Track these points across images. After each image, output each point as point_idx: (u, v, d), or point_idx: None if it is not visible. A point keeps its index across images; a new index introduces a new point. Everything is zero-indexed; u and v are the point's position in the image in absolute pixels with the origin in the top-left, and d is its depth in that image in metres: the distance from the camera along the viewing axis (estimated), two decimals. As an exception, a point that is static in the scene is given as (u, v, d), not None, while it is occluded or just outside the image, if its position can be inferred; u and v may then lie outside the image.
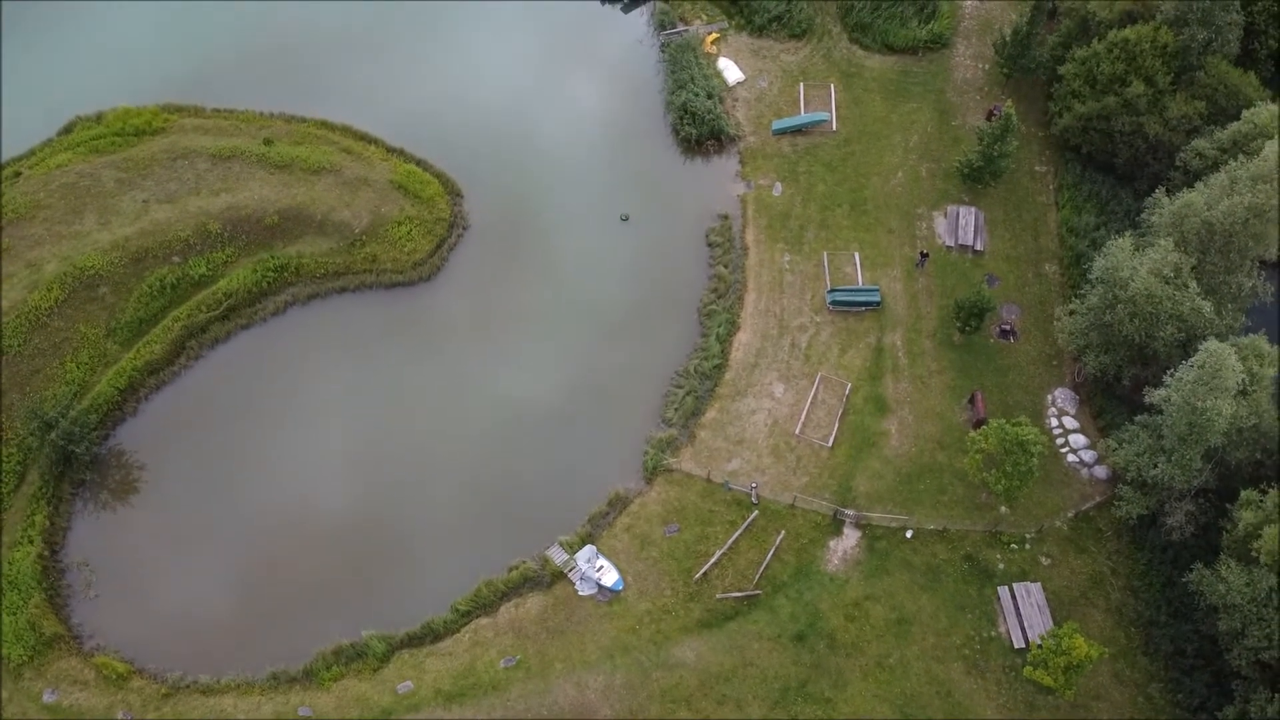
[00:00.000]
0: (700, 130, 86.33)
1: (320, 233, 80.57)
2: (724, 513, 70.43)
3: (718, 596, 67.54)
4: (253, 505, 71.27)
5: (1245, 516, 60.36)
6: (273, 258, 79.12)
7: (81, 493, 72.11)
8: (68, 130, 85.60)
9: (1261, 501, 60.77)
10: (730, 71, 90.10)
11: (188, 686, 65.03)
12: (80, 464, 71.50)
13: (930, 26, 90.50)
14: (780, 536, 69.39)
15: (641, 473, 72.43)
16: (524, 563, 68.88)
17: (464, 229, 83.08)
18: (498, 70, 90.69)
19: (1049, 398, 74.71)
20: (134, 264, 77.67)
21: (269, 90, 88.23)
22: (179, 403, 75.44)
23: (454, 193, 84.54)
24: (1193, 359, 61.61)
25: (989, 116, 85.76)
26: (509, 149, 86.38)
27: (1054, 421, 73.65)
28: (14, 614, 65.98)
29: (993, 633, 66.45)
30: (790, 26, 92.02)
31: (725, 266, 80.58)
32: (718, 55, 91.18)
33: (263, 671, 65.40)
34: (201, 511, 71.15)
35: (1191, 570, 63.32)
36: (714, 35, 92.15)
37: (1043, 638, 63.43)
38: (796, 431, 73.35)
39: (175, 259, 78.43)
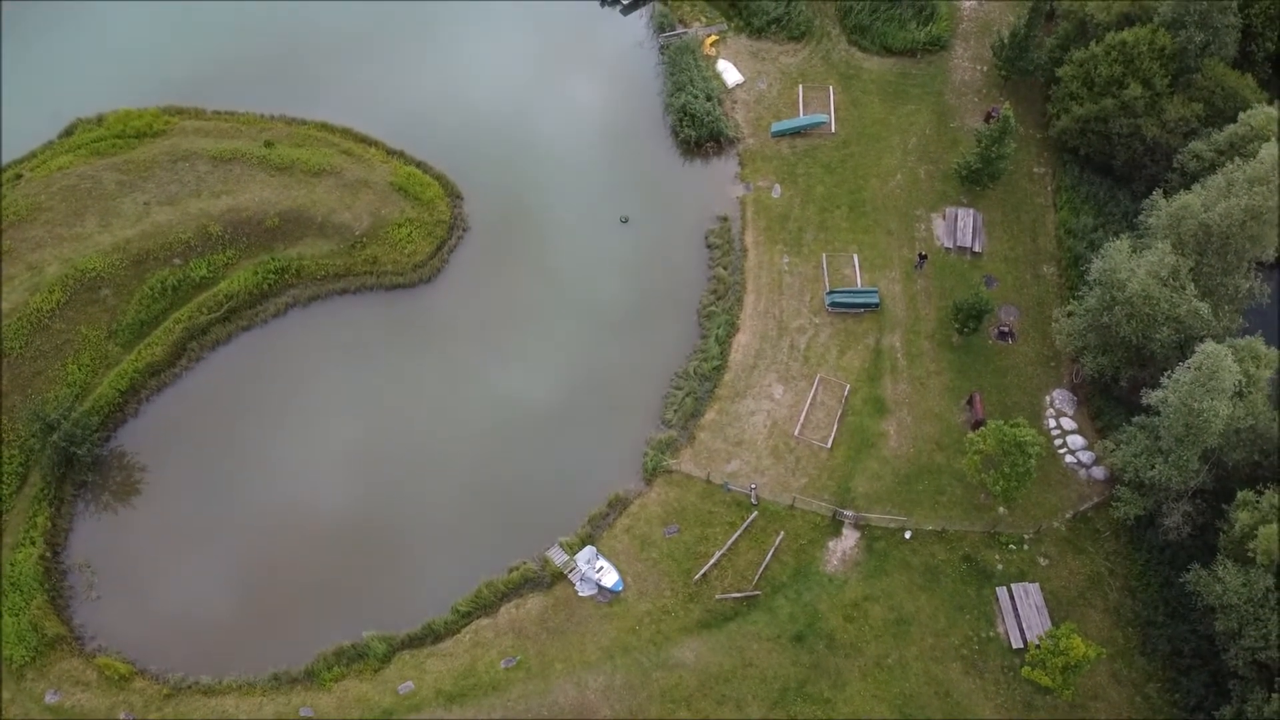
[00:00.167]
0: (699, 132, 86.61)
1: (321, 235, 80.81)
2: (723, 514, 70.71)
3: (717, 597, 67.81)
4: (254, 506, 71.51)
5: (1242, 517, 60.64)
6: (273, 260, 79.37)
7: (83, 494, 72.35)
8: (69, 132, 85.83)
9: (1258, 502, 61.06)
10: (729, 73, 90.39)
11: (189, 687, 65.28)
12: (82, 465, 71.74)
13: (929, 29, 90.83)
14: (779, 537, 69.67)
15: (641, 474, 72.70)
16: (524, 564, 69.16)
17: (464, 231, 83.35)
18: (497, 73, 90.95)
19: (1047, 399, 75.01)
20: (135, 266, 77.90)
21: (270, 92, 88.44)
22: (180, 404, 75.69)
23: (454, 195, 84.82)
24: (1190, 360, 61.93)
25: (987, 118, 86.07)
26: (509, 151, 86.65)
27: (1052, 422, 73.95)
28: (16, 615, 66.21)
29: (991, 633, 66.74)
30: (789, 29, 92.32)
31: (724, 268, 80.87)
32: (717, 57, 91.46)
33: (264, 672, 65.68)
34: (203, 513, 71.40)
35: (1189, 571, 63.68)
36: (713, 37, 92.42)
37: (1041, 638, 63.78)
38: (795, 433, 73.62)
39: (176, 261, 78.68)
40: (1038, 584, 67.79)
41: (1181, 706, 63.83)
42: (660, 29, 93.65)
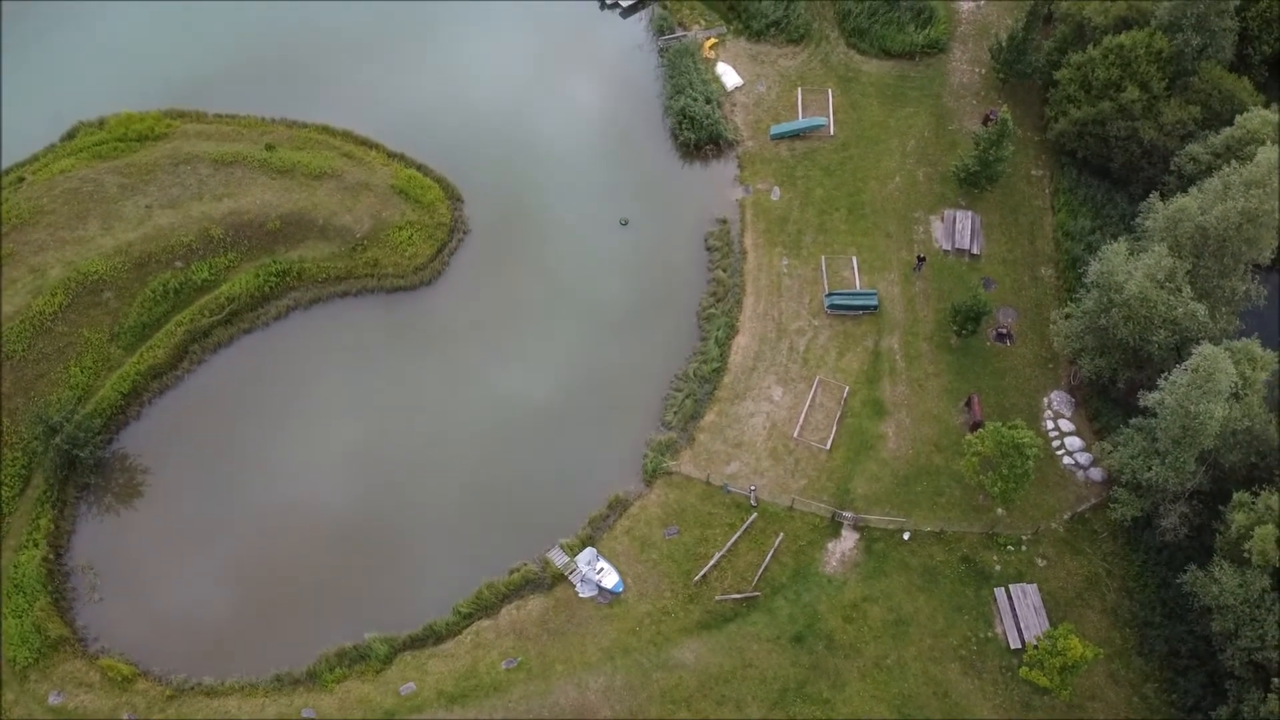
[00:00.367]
0: (699, 135, 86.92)
1: (322, 237, 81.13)
2: (723, 515, 71.05)
3: (717, 598, 68.16)
4: (255, 508, 71.80)
5: (1238, 518, 60.94)
6: (275, 262, 79.67)
7: (86, 496, 72.61)
8: (70, 136, 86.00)
9: (1254, 503, 61.31)
10: (728, 76, 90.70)
11: (192, 688, 65.56)
12: (84, 468, 72.02)
13: (927, 32, 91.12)
14: (779, 539, 70.01)
15: (641, 475, 73.03)
16: (525, 565, 69.49)
17: (465, 233, 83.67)
18: (497, 75, 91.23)
19: (1045, 400, 75.37)
20: (137, 269, 78.19)
21: (270, 95, 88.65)
22: (182, 406, 75.97)
23: (454, 198, 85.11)
24: (1186, 363, 62.28)
25: (985, 121, 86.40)
26: (509, 154, 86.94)
27: (1050, 424, 74.31)
28: (20, 617, 66.51)
29: (989, 633, 67.09)
30: (788, 32, 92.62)
31: (724, 270, 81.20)
32: (716, 60, 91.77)
33: (266, 673, 65.95)
34: (205, 514, 71.70)
35: (1185, 572, 63.98)
36: (712, 40, 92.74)
37: (1039, 638, 64.14)
38: (795, 434, 73.97)
39: (178, 264, 78.98)
40: (1035, 585, 68.14)
41: (1179, 707, 64.16)
42: (660, 32, 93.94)
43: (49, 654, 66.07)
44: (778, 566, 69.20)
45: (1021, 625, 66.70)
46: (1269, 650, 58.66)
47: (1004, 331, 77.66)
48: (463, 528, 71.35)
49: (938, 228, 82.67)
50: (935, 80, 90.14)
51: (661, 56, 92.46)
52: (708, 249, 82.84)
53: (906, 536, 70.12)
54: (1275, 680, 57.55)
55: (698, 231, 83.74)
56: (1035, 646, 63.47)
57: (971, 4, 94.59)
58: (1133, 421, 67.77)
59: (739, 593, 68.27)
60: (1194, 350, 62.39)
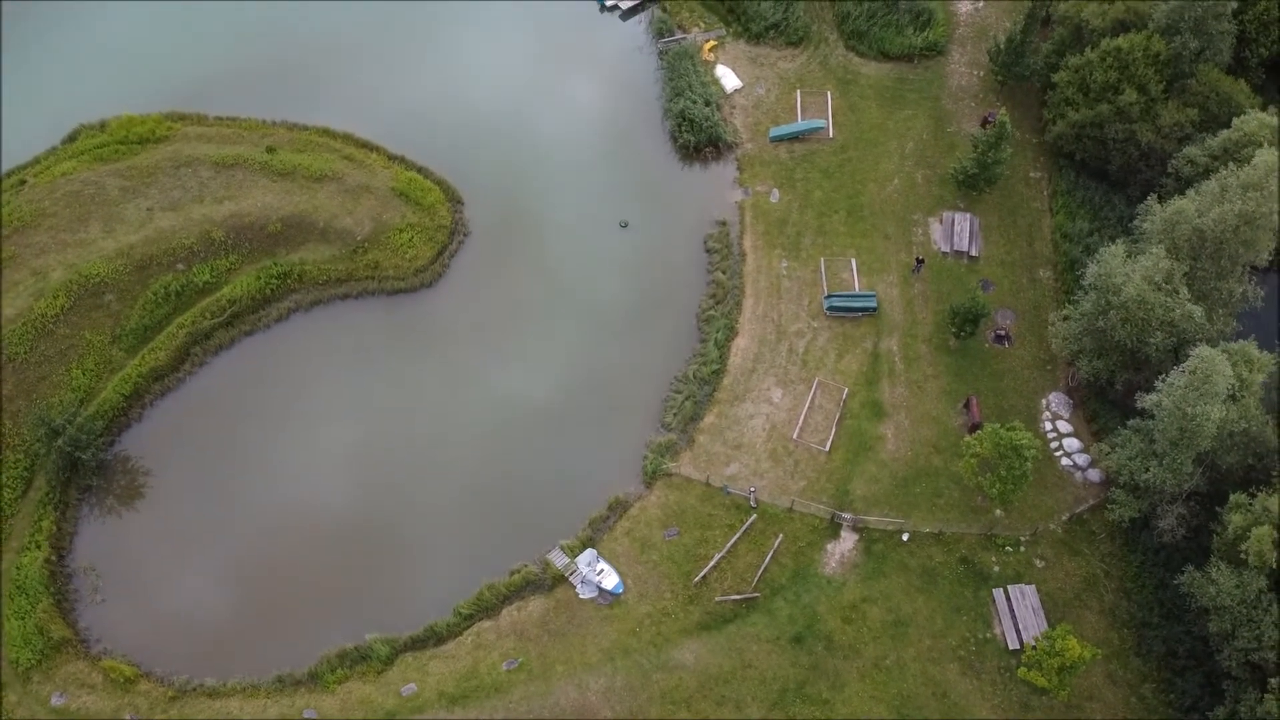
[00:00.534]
0: (698, 137, 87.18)
1: (323, 240, 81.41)
2: (723, 516, 71.34)
3: (717, 599, 68.44)
4: (257, 509, 72.10)
5: (1235, 519, 61.21)
6: (276, 265, 79.96)
7: (88, 498, 72.91)
8: (72, 138, 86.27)
9: (1250, 505, 61.59)
10: (728, 79, 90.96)
11: (194, 689, 65.92)
12: (86, 470, 72.32)
13: (925, 34, 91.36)
14: (778, 540, 70.29)
15: (641, 477, 73.34)
16: (525, 566, 69.79)
17: (465, 236, 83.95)
18: (497, 78, 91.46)
19: (1043, 402, 75.66)
20: (139, 271, 78.48)
21: (271, 98, 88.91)
22: (184, 408, 76.28)
23: (455, 200, 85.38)
24: (1184, 365, 62.56)
25: (984, 123, 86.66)
26: (509, 156, 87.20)
27: (1048, 425, 74.60)
28: (23, 618, 66.81)
29: (988, 634, 67.39)
30: (787, 34, 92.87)
31: (723, 272, 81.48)
32: (715, 63, 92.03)
33: (268, 674, 66.32)
34: (206, 516, 72.00)
35: (1183, 572, 64.26)
36: (712, 43, 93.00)
37: (1037, 639, 64.44)
38: (794, 436, 74.26)
39: (179, 266, 79.27)
40: (1034, 585, 68.45)
41: (1176, 707, 64.48)
42: (659, 34, 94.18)
43: (51, 655, 66.40)
44: (777, 567, 69.50)
45: (1020, 626, 67.02)
46: (1266, 651, 58.95)
47: (1002, 333, 77.96)
48: (463, 529, 71.63)
49: (936, 230, 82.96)
50: (934, 83, 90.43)
51: (661, 59, 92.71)
52: (707, 251, 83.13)
53: (905, 538, 70.42)
54: (1272, 681, 57.82)
55: (697, 233, 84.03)
56: (1034, 647, 63.76)
57: (970, 6, 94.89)
58: (1130, 423, 68.07)
59: (739, 594, 68.56)
60: (1191, 352, 62.66)
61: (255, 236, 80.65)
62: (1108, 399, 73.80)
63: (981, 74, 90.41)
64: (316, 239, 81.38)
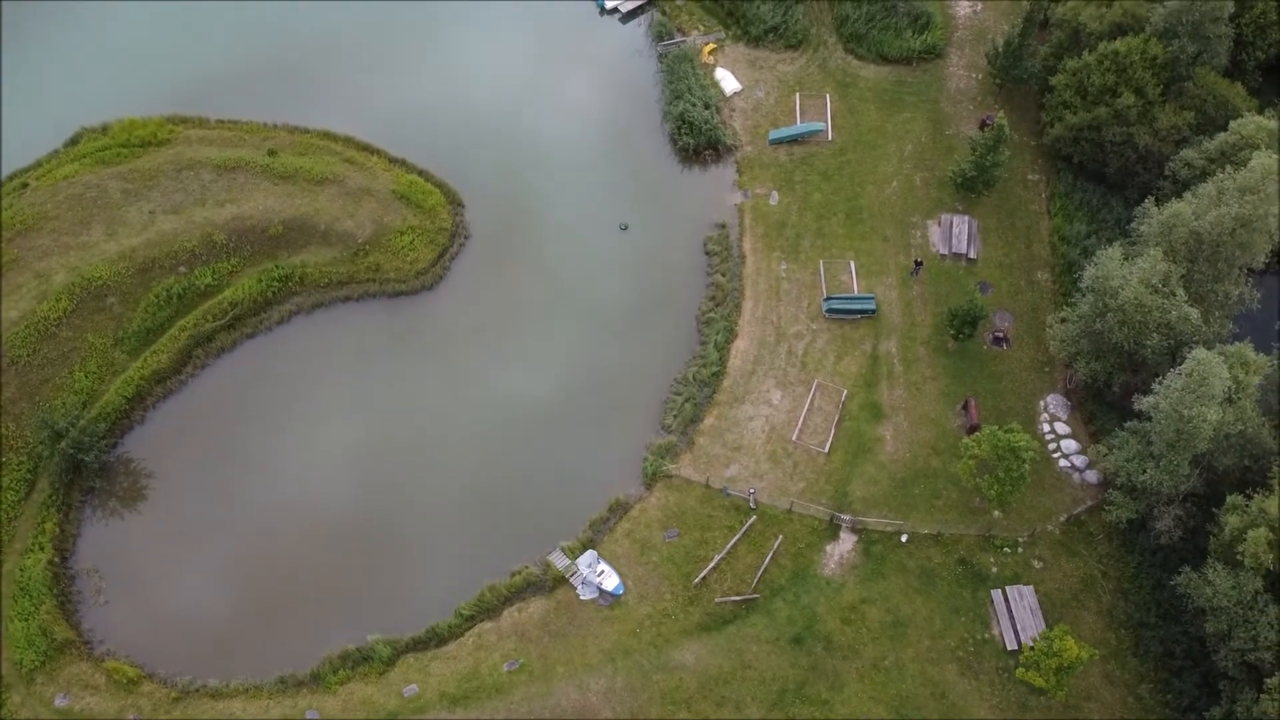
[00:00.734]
0: (698, 140, 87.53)
1: (324, 243, 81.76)
2: (722, 518, 71.71)
3: (716, 600, 68.81)
4: (259, 511, 72.40)
5: (1231, 521, 61.58)
6: (277, 267, 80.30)
7: (91, 500, 73.21)
8: (74, 142, 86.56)
9: (1247, 506, 61.96)
10: (727, 82, 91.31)
11: (197, 690, 66.19)
12: (89, 472, 72.65)
13: (924, 37, 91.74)
14: (778, 541, 70.65)
15: (641, 479, 73.68)
16: (526, 568, 70.12)
17: (465, 238, 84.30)
18: (497, 81, 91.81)
19: (1041, 404, 76.03)
20: (141, 274, 78.81)
21: (272, 101, 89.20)
22: (186, 411, 76.56)
23: (455, 203, 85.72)
24: (1181, 367, 62.86)
25: (982, 126, 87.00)
26: (509, 159, 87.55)
27: (1046, 427, 74.97)
28: (26, 620, 67.10)
29: (986, 635, 67.76)
30: (786, 37, 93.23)
31: (723, 275, 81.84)
32: (715, 65, 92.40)
33: (270, 675, 66.57)
34: (208, 518, 72.29)
35: (1180, 573, 64.56)
36: (711, 46, 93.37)
37: (1035, 640, 64.78)
38: (793, 438, 74.63)
39: (181, 269, 79.61)
40: (1032, 586, 68.83)
41: (1173, 707, 64.82)
42: (659, 37, 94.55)
43: (55, 657, 66.69)
44: (777, 569, 69.86)
45: (1018, 626, 67.40)
46: (1262, 651, 59.27)
47: (1000, 335, 78.32)
48: (464, 530, 71.96)
49: (935, 232, 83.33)
50: (932, 85, 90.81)
51: (661, 62, 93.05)
52: (707, 253, 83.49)
53: (904, 539, 70.79)
54: (1268, 681, 58.13)
55: (697, 236, 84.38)
56: (1032, 648, 64.04)
57: (968, 9, 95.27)
58: (1128, 425, 68.42)
59: (738, 595, 68.93)
60: (1188, 354, 62.99)
61: (257, 239, 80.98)
62: (1105, 401, 74.18)
63: (980, 77, 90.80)
64: (318, 242, 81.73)
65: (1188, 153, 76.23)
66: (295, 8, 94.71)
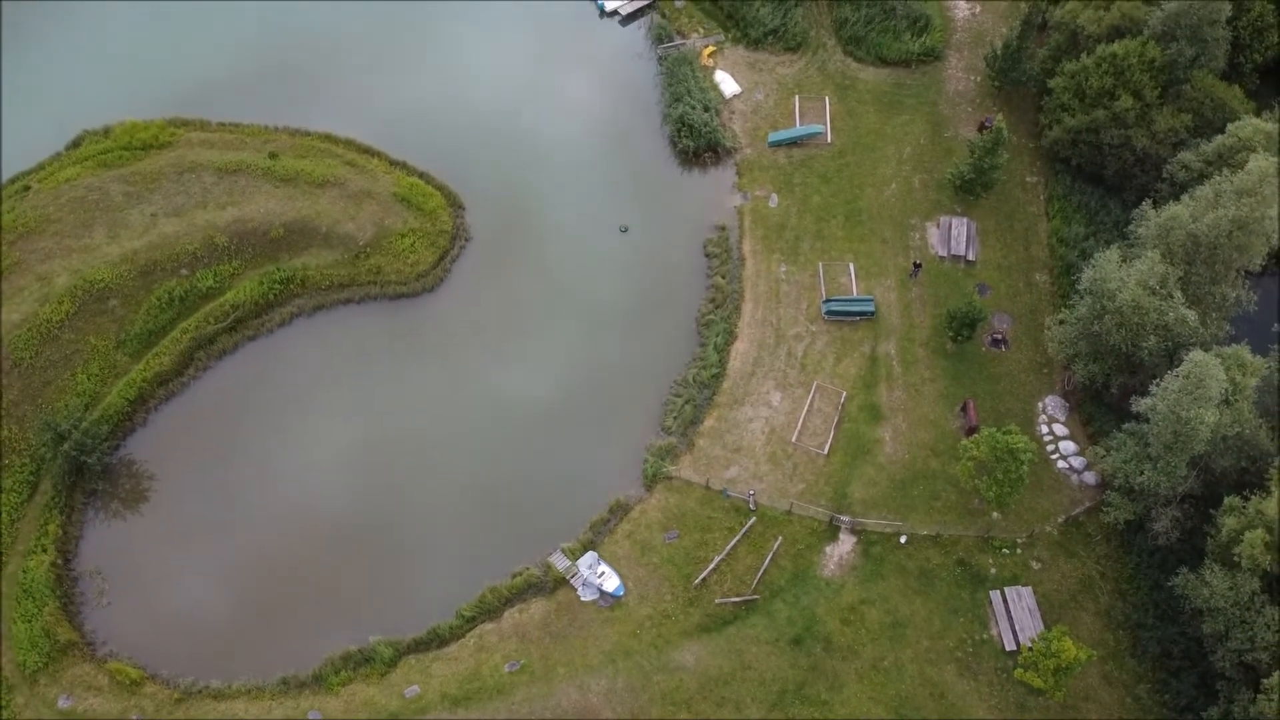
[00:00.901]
0: (697, 142, 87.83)
1: (325, 245, 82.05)
2: (722, 519, 72.01)
3: (717, 601, 69.11)
4: (261, 513, 72.69)
5: (1228, 522, 61.83)
6: (278, 270, 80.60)
7: (93, 502, 73.49)
8: (76, 144, 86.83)
9: (1244, 508, 62.23)
10: (727, 84, 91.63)
11: (199, 691, 66.44)
12: (92, 474, 72.95)
13: (923, 40, 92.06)
14: (778, 542, 70.96)
15: (642, 480, 73.98)
16: (527, 569, 70.40)
17: (466, 241, 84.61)
18: (498, 84, 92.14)
19: (1040, 405, 76.32)
20: (143, 277, 79.10)
21: (273, 104, 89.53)
22: (188, 413, 76.86)
23: (456, 205, 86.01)
24: (1178, 369, 63.10)
25: (980, 129, 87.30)
26: (510, 162, 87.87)
27: (1044, 428, 75.27)
28: (29, 621, 67.35)
29: (985, 635, 68.07)
30: (785, 40, 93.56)
31: (723, 277, 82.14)
32: (714, 68, 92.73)
33: (273, 677, 66.83)
34: (210, 519, 72.56)
35: (1177, 574, 64.83)
36: (711, 48, 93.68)
37: (1033, 640, 65.06)
38: (793, 439, 74.93)
39: (183, 272, 79.90)
40: (1030, 587, 69.12)
41: (1171, 707, 65.09)
42: (659, 40, 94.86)
43: (58, 658, 66.96)
44: (776, 570, 70.17)
45: (1016, 627, 67.71)
46: (1259, 652, 59.53)
47: (999, 337, 78.63)
48: (465, 532, 72.24)
49: (934, 234, 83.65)
50: (931, 88, 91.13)
51: (660, 64, 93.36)
52: (706, 255, 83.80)
53: (903, 540, 71.10)
54: (1265, 681, 58.44)
55: (696, 238, 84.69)
56: (1030, 648, 64.31)
57: (967, 12, 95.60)
58: (1125, 426, 68.70)
59: (738, 596, 69.23)
60: (1185, 356, 63.26)
61: (258, 242, 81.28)
62: (1103, 402, 74.49)
63: (978, 79, 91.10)
64: (319, 244, 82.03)
65: (1185, 155, 76.52)
66: (296, 11, 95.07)
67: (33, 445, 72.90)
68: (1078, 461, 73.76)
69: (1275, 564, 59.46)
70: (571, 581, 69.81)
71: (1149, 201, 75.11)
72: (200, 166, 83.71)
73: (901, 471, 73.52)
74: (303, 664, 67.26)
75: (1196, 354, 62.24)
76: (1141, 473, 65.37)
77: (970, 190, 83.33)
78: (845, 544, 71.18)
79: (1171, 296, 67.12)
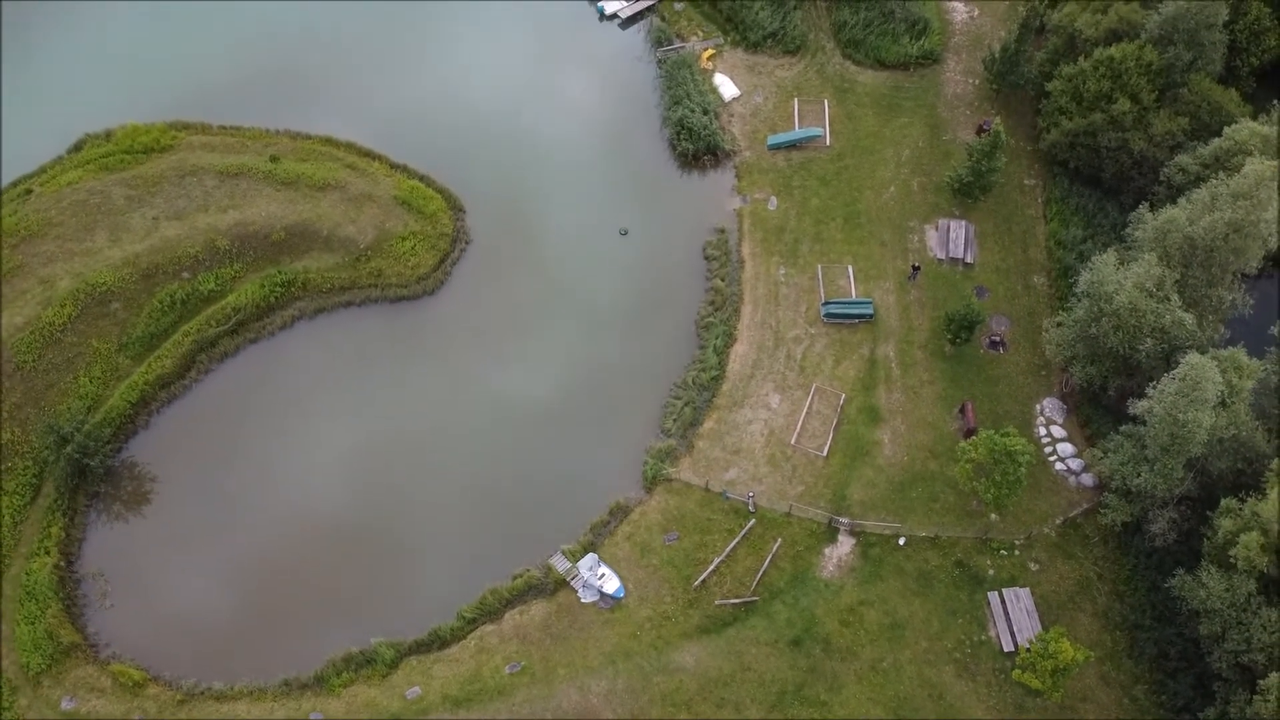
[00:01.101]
0: (697, 145, 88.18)
1: (326, 248, 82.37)
2: (722, 521, 72.33)
3: (716, 603, 69.43)
4: (263, 515, 73.00)
5: (1225, 524, 62.16)
6: (280, 273, 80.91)
7: (96, 504, 73.84)
8: (77, 148, 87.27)
9: (1240, 509, 62.55)
10: (726, 87, 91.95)
11: (202, 693, 66.82)
12: (94, 476, 73.26)
13: (921, 43, 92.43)
14: (777, 544, 71.28)
15: (641, 482, 74.30)
16: (528, 571, 70.72)
17: (466, 244, 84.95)
18: (498, 87, 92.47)
19: (1037, 407, 76.64)
20: (144, 280, 79.43)
21: (274, 107, 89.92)
22: (189, 415, 77.21)
23: (456, 208, 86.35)
24: (1174, 371, 63.42)
25: (979, 132, 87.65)
26: (510, 165, 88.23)
27: (1042, 430, 75.60)
28: (32, 623, 67.68)
29: (983, 637, 68.40)
30: (784, 43, 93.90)
31: (722, 280, 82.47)
32: (714, 71, 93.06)
33: (275, 678, 67.22)
34: (213, 521, 72.87)
35: (1174, 576, 65.17)
36: (710, 51, 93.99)
37: (1031, 641, 65.38)
38: (792, 441, 75.25)
39: (185, 275, 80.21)
40: (1028, 589, 69.45)
41: (1168, 708, 65.42)
42: (658, 43, 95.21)
43: (61, 660, 67.29)
44: (776, 571, 70.49)
45: (1014, 628, 68.04)
46: (1255, 653, 59.83)
47: (997, 339, 78.96)
48: (466, 534, 72.56)
49: (932, 237, 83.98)
50: (929, 91, 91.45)
51: (660, 67, 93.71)
52: (706, 258, 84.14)
53: (902, 541, 71.43)
54: (1261, 682, 58.75)
55: (696, 241, 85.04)
56: (1028, 649, 64.64)
57: (965, 15, 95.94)
58: (1123, 429, 69.03)
59: (738, 597, 69.55)
60: (1182, 359, 63.55)
61: (259, 245, 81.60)
62: (1101, 404, 74.81)
63: (976, 82, 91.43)
64: (320, 247, 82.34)
65: (1182, 158, 76.84)
66: (297, 14, 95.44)
67: (35, 448, 73.21)
68: (1075, 463, 74.09)
69: (1271, 566, 59.82)
70: (572, 583, 70.12)
71: (1146, 204, 75.51)
72: (202, 170, 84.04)
73: (900, 473, 73.85)
74: (304, 665, 67.62)
75: (1193, 356, 62.59)
76: (1139, 475, 65.72)
77: (968, 193, 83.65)
78: (844, 546, 71.52)
79: (1168, 299, 67.48)
